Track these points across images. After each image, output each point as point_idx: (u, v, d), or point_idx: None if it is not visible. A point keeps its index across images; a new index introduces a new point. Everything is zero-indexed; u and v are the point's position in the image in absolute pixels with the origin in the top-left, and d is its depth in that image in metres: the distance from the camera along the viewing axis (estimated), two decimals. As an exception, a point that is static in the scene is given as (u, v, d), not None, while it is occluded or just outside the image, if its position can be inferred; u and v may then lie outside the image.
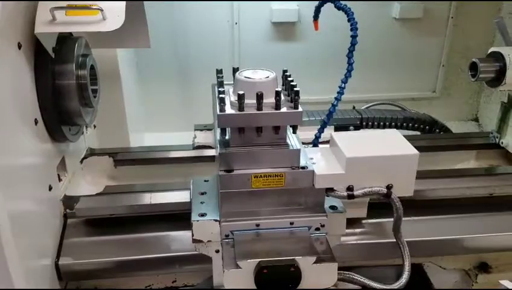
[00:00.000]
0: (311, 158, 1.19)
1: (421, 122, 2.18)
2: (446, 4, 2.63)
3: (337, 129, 1.93)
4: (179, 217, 1.47)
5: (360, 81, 2.69)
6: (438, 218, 1.58)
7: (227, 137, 1.16)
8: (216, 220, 1.20)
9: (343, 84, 1.24)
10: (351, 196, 1.16)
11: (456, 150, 1.97)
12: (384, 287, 1.18)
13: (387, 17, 2.64)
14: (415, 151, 1.17)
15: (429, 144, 1.97)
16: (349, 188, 1.16)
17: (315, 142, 1.33)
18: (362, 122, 2.05)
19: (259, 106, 1.09)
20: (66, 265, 1.37)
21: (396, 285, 1.19)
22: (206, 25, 2.53)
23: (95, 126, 1.89)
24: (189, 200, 1.35)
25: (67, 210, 1.45)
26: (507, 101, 1.90)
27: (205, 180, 1.38)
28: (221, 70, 1.28)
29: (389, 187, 1.17)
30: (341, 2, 1.25)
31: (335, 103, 1.26)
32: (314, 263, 1.07)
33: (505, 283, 1.31)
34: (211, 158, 1.77)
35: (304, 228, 1.19)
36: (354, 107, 2.21)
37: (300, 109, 1.11)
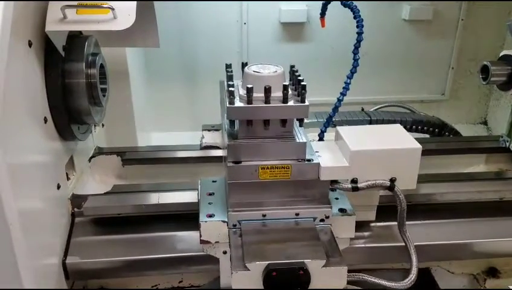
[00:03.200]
0: (317, 151, 1.22)
1: (431, 125, 2.17)
2: (456, 6, 2.62)
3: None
4: (186, 217, 1.47)
5: (369, 82, 2.70)
6: (446, 222, 1.56)
7: (235, 129, 1.18)
8: (224, 221, 1.20)
9: (348, 80, 1.28)
10: (355, 188, 1.19)
11: (465, 154, 1.95)
12: (395, 284, 1.20)
13: (397, 18, 2.62)
14: (418, 145, 1.21)
15: (438, 147, 1.96)
16: (354, 181, 1.19)
17: (321, 136, 1.36)
18: (371, 124, 2.04)
19: (267, 99, 1.11)
20: (74, 264, 1.37)
21: (406, 282, 1.21)
22: (214, 25, 2.53)
23: (103, 125, 1.89)
24: (196, 200, 1.34)
25: (75, 209, 1.45)
26: (518, 105, 1.89)
27: (213, 181, 1.39)
28: (230, 64, 1.31)
29: (392, 180, 1.20)
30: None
31: (341, 98, 1.30)
32: (324, 266, 1.06)
33: (514, 288, 1.31)
34: (219, 158, 1.77)
35: (309, 218, 1.21)
36: (362, 109, 2.20)
37: (307, 103, 1.13)
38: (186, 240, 1.46)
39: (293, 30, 2.58)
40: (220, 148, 1.77)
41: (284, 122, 1.17)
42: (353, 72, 1.27)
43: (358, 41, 1.26)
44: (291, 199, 1.20)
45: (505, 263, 1.65)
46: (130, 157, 1.78)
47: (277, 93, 1.12)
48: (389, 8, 2.59)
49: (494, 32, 2.63)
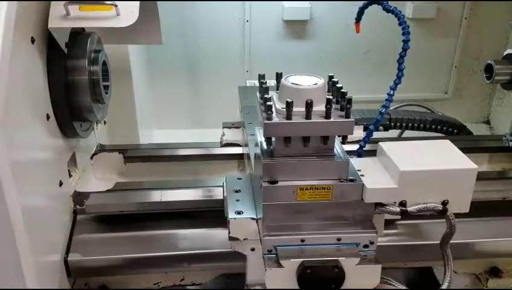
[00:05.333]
0: (359, 170, 1.13)
1: (450, 125, 2.13)
2: (460, 5, 2.61)
3: (366, 129, 1.90)
4: (188, 215, 1.46)
5: (372, 80, 2.69)
6: (449, 221, 1.55)
7: (271, 146, 1.11)
8: (253, 219, 1.17)
9: (391, 91, 1.18)
10: (404, 212, 1.09)
11: (468, 153, 1.94)
12: None
13: (400, 16, 2.61)
14: (474, 165, 1.11)
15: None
16: (402, 204, 1.09)
17: (360, 152, 1.26)
18: (391, 123, 2.01)
19: (308, 114, 1.03)
20: (75, 261, 1.37)
21: None
22: (217, 23, 2.53)
23: (105, 122, 1.89)
24: (199, 198, 1.34)
25: (77, 206, 1.45)
26: (521, 104, 1.88)
27: (238, 178, 1.34)
28: (264, 75, 1.21)
29: (444, 203, 1.10)
30: (390, 4, 1.18)
31: (383, 111, 1.20)
32: (358, 264, 1.05)
33: (517, 288, 1.30)
34: (220, 156, 1.77)
35: (351, 244, 1.11)
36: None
37: (352, 119, 1.04)
38: (188, 237, 1.46)
39: (296, 28, 2.57)
40: (241, 146, 1.77)
41: (325, 139, 1.08)
42: (397, 83, 1.17)
43: (405, 49, 1.16)
44: (332, 222, 1.11)
45: (507, 262, 1.65)
46: (132, 154, 1.78)
47: (318, 108, 1.04)
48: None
49: (498, 31, 2.62)
